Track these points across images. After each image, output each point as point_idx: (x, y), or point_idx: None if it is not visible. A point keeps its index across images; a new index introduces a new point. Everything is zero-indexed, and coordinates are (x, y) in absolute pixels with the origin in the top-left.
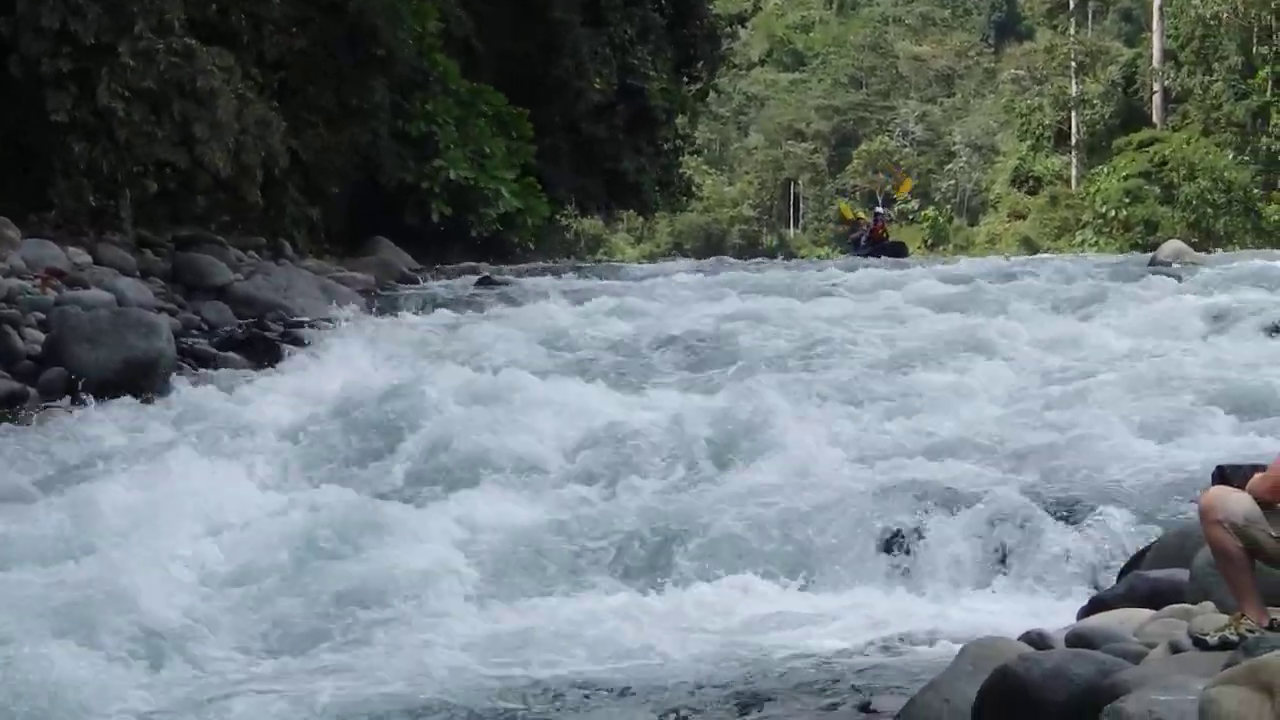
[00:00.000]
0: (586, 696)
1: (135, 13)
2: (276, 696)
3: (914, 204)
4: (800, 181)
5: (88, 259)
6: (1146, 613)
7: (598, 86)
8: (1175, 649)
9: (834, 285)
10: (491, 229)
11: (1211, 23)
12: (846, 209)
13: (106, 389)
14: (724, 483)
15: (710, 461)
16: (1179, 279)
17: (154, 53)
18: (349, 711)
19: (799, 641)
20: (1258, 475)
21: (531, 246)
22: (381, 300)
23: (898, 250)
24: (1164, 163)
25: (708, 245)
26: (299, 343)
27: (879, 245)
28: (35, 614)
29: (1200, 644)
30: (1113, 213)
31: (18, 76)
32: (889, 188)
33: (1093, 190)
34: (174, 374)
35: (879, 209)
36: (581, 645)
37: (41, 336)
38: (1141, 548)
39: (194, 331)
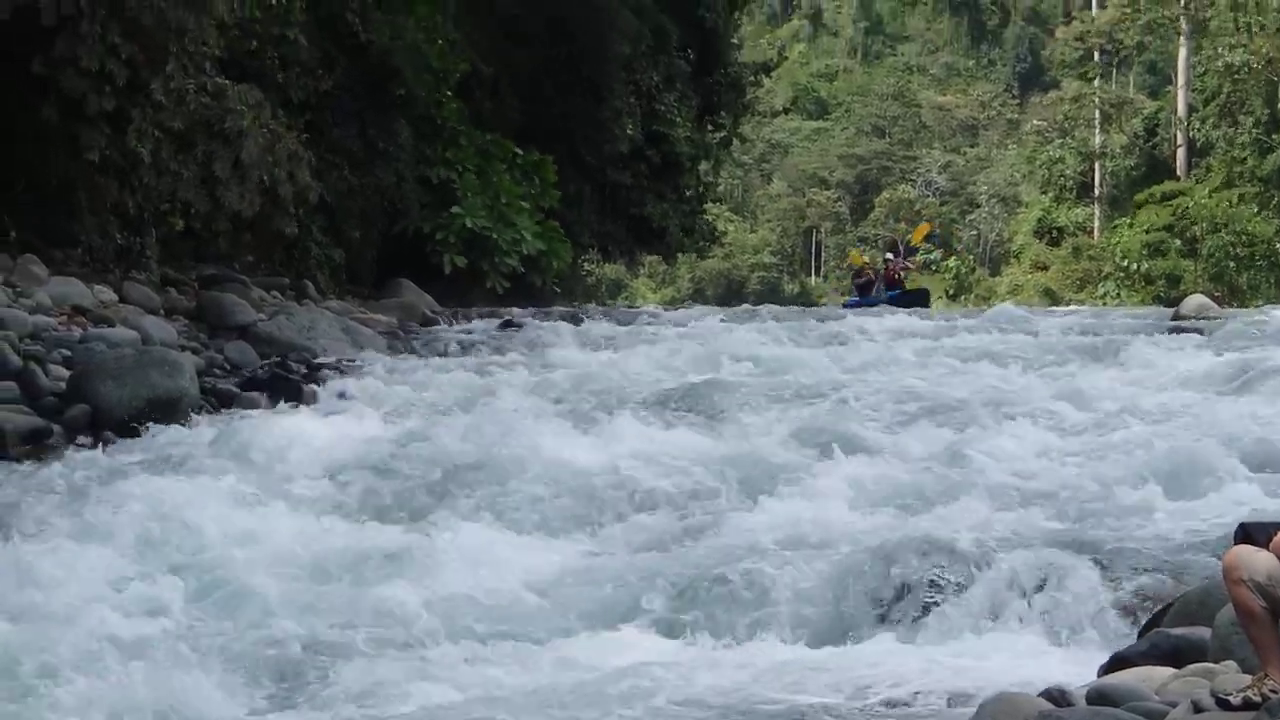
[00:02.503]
0: None
1: (170, 51)
2: None
3: (936, 254)
4: (822, 229)
5: (113, 297)
6: (1169, 671)
7: (630, 132)
8: (1198, 708)
9: (855, 334)
10: (505, 283)
11: (1238, 74)
12: (856, 256)
13: (129, 427)
14: (736, 532)
15: (722, 510)
16: (1202, 334)
17: (185, 92)
18: None
19: (812, 696)
20: None
21: (556, 289)
22: (403, 342)
23: (920, 299)
24: (1187, 216)
25: (728, 291)
26: (321, 383)
27: (902, 293)
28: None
29: (1223, 704)
30: (1134, 265)
31: (52, 117)
32: (908, 237)
33: (1114, 242)
34: (196, 413)
35: (889, 254)
36: (586, 695)
37: (66, 374)
38: (1164, 605)
39: (217, 370)
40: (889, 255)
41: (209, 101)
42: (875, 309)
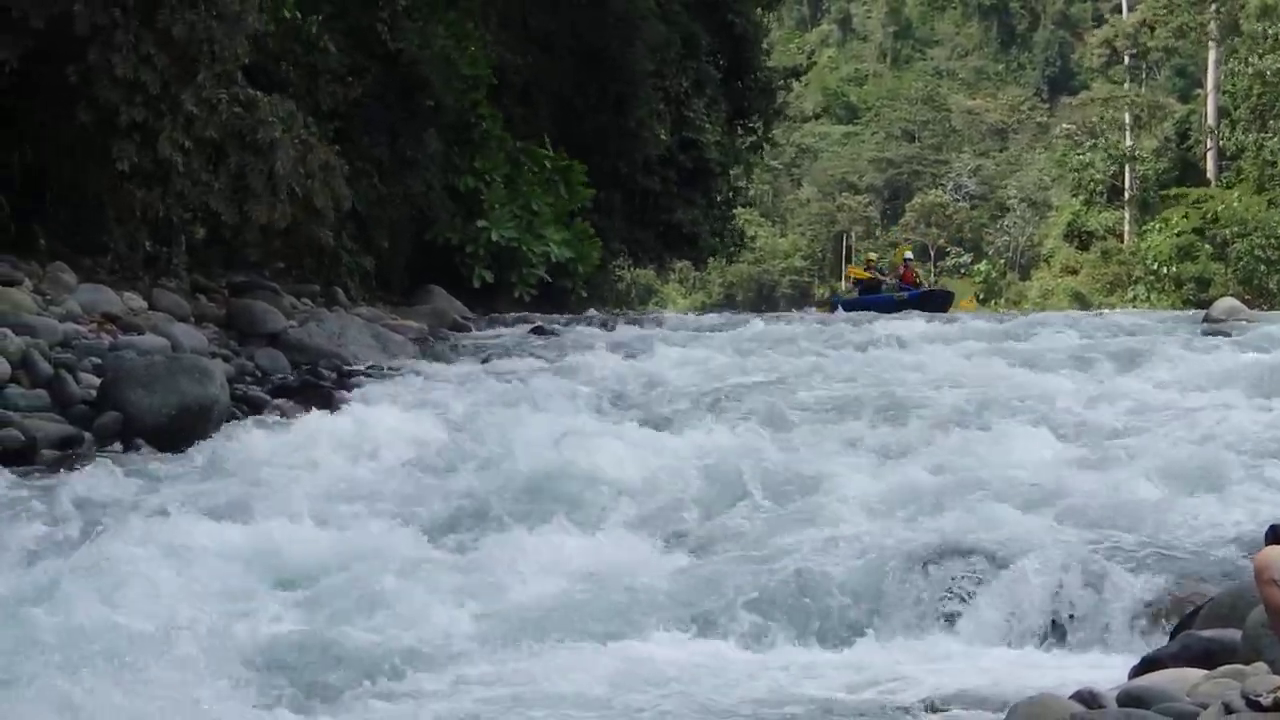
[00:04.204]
0: None
1: (200, 61)
2: None
3: (967, 258)
4: (853, 234)
5: (143, 304)
6: (1199, 672)
7: (663, 138)
8: (1229, 709)
9: (882, 337)
10: (533, 291)
11: (1271, 79)
12: (907, 248)
13: (160, 434)
14: (769, 535)
15: (754, 514)
16: (1232, 335)
17: (217, 102)
18: None
19: (843, 697)
20: None
21: (584, 294)
22: (434, 348)
23: (943, 300)
24: (1216, 219)
25: (759, 296)
26: (352, 389)
27: (924, 293)
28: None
29: (1254, 705)
30: (1164, 269)
31: (87, 124)
32: (941, 242)
33: (1145, 246)
34: (227, 420)
35: (908, 255)
36: (620, 695)
37: (96, 381)
38: (1195, 607)
39: (247, 378)
40: (909, 255)
41: (240, 112)
42: (889, 310)
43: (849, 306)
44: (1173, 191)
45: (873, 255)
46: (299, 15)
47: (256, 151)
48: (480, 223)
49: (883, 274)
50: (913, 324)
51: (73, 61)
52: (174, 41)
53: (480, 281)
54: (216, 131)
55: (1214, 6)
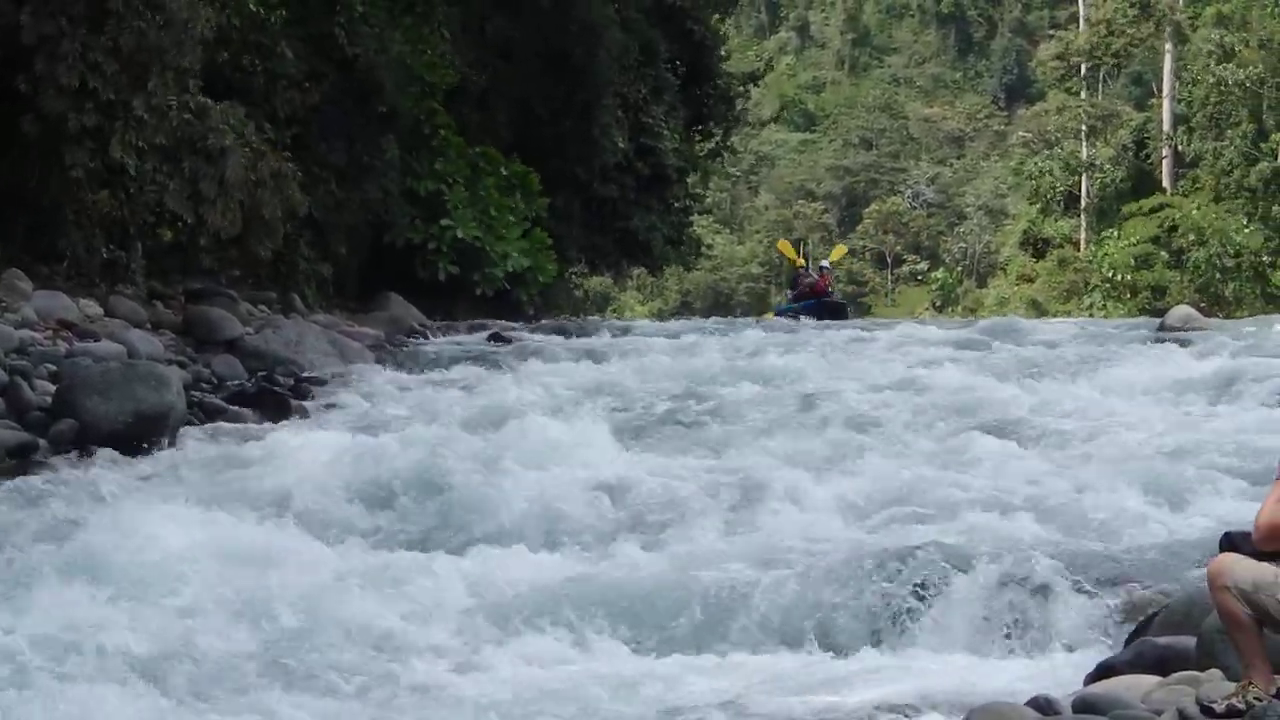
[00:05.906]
0: None
1: (150, 69)
2: None
3: (924, 265)
4: (810, 241)
5: (99, 311)
6: (1154, 679)
7: (621, 146)
8: (1183, 716)
9: (848, 343)
10: (497, 286)
11: (1233, 89)
12: (788, 249)
13: (116, 441)
14: (725, 544)
15: (711, 522)
16: (1187, 344)
17: (167, 109)
18: None
19: (798, 707)
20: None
21: (540, 301)
22: (391, 355)
23: (839, 311)
24: (1173, 228)
25: (716, 303)
26: (309, 397)
27: (822, 304)
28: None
29: (1208, 712)
30: (1121, 277)
31: (34, 134)
32: (898, 249)
33: (1101, 254)
34: (184, 427)
35: (824, 263)
36: (578, 709)
37: (52, 388)
38: (1149, 613)
39: (204, 385)
40: (825, 264)
41: (191, 119)
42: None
43: (779, 314)
44: (1130, 205)
45: (801, 262)
46: (262, 10)
47: (208, 158)
48: (444, 221)
49: (799, 279)
50: (873, 333)
51: (21, 71)
52: (122, 50)
53: (445, 274)
54: (167, 138)
55: (1155, 19)
